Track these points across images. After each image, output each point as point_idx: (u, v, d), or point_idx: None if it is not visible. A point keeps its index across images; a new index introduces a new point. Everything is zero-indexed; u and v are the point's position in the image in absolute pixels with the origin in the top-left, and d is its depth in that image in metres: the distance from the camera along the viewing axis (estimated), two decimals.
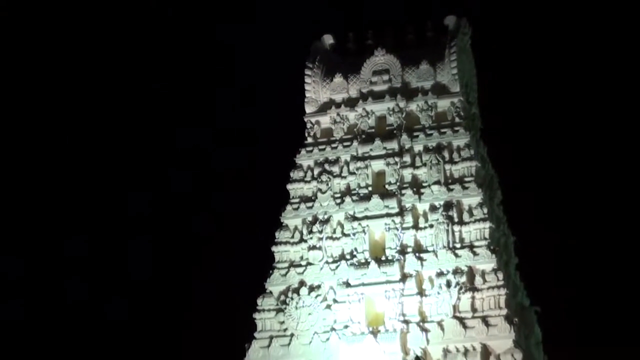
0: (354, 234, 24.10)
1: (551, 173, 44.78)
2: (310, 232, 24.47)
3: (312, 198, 24.86)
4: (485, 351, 22.34)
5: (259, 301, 24.10)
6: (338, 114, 25.71)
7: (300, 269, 24.21)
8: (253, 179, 39.37)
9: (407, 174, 24.38)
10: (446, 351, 22.63)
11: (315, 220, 24.57)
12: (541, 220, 40.95)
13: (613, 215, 43.98)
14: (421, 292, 23.18)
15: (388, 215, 23.86)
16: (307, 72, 25.83)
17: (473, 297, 22.80)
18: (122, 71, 52.29)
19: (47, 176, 52.90)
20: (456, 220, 23.47)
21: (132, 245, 51.28)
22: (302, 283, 24.09)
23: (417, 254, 23.44)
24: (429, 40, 25.79)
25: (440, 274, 23.07)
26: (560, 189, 44.87)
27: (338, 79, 25.76)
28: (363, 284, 23.52)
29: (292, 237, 24.63)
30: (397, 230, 23.86)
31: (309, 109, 25.96)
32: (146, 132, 52.93)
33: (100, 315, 48.16)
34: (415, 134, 24.81)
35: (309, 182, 25.14)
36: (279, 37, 47.12)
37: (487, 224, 23.19)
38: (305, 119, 26.03)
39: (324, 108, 25.95)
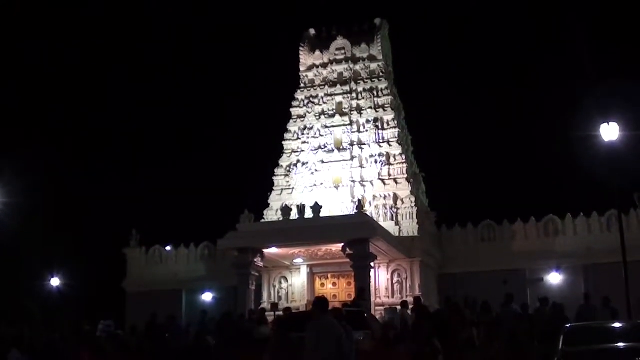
0: (325, 135, 35.20)
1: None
2: (303, 134, 35.69)
3: (304, 115, 36.01)
4: (395, 196, 33.35)
5: (275, 170, 35.41)
6: (317, 71, 36.88)
7: (297, 153, 35.29)
8: (274, 107, 47.26)
9: (354, 103, 35.49)
10: (374, 197, 33.50)
11: (305, 127, 35.80)
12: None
13: None
14: (361, 165, 34.30)
15: (344, 124, 35.13)
16: (301, 49, 37.46)
17: (389, 168, 33.96)
18: None
19: None
20: (379, 126, 34.69)
21: None
22: (298, 161, 35.21)
23: (359, 146, 34.68)
24: (366, 31, 37.17)
25: (372, 155, 34.29)
26: None
27: (317, 52, 37.05)
28: (330, 161, 34.71)
29: (293, 136, 35.74)
30: (349, 132, 34.94)
31: (302, 68, 37.28)
32: None
33: None
34: (358, 81, 36.01)
35: (302, 107, 36.24)
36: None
37: (397, 130, 34.58)
38: (300, 74, 37.21)
39: (309, 68, 37.16)
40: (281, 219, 31.62)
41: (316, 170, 35.02)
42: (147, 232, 40.32)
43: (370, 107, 35.71)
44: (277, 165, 36.10)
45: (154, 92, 65.44)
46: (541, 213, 35.90)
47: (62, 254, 41.46)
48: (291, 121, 36.59)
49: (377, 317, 23.99)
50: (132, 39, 63.81)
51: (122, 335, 21.90)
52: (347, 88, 36.41)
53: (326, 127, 35.79)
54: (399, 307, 23.32)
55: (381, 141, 34.91)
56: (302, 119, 36.43)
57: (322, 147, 35.35)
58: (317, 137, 35.78)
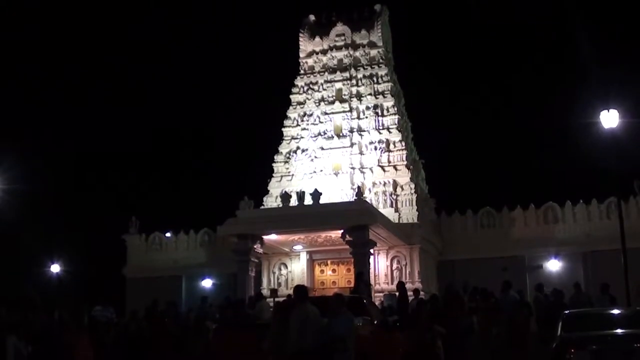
0: (325, 122, 35.42)
1: None
2: (302, 120, 35.86)
3: (303, 102, 36.11)
4: (395, 183, 33.69)
5: (275, 157, 35.63)
6: (317, 58, 37.05)
7: (297, 140, 35.57)
8: (274, 93, 49.58)
9: (354, 89, 35.67)
10: (374, 183, 33.83)
11: (305, 114, 36.00)
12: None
13: None
14: (361, 152, 34.59)
15: (344, 111, 35.35)
16: (300, 35, 37.53)
17: (389, 155, 34.24)
18: None
19: None
20: (379, 113, 34.83)
21: None
22: (298, 147, 35.48)
23: (359, 132, 34.94)
24: (366, 17, 37.23)
25: (371, 142, 34.54)
26: None
27: (317, 39, 37.14)
28: (330, 148, 35.03)
29: (293, 123, 35.94)
30: (348, 119, 35.20)
31: (301, 54, 37.40)
32: None
33: None
34: (358, 68, 36.12)
35: (301, 94, 36.36)
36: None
37: (396, 117, 34.72)
38: (300, 60, 37.36)
39: (309, 55, 37.31)
40: (281, 205, 31.77)
41: (316, 157, 35.12)
42: (147, 218, 40.48)
43: (370, 94, 35.74)
44: (277, 152, 36.19)
45: (153, 77, 65.41)
46: (541, 200, 36.01)
47: (62, 240, 41.61)
48: (291, 108, 36.57)
49: (377, 303, 23.99)
50: (130, 21, 63.04)
51: (120, 320, 21.85)
52: (346, 75, 36.41)
53: (326, 113, 35.81)
54: (397, 294, 23.28)
55: (381, 128, 34.95)
56: (302, 106, 36.41)
57: (322, 133, 35.41)
58: (317, 124, 35.81)
